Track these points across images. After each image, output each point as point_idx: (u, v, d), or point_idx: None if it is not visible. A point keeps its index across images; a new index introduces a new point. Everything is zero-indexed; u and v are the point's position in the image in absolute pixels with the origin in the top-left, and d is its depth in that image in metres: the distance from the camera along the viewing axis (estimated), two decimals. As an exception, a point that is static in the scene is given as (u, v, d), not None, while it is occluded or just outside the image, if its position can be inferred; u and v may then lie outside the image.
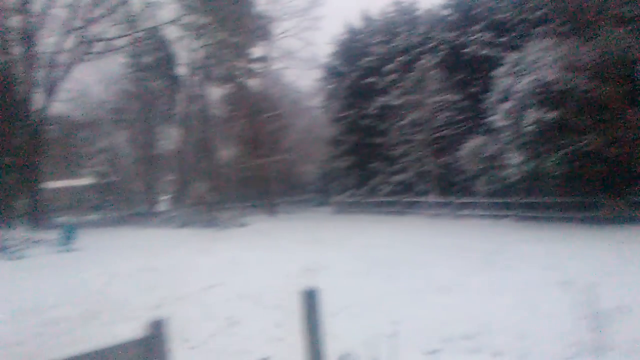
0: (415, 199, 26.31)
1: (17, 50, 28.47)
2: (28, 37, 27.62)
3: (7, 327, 7.30)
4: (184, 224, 23.94)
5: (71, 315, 7.81)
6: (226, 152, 40.59)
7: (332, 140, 33.95)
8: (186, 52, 35.93)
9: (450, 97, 24.81)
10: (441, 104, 24.91)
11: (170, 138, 40.22)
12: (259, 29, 33.49)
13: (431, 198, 25.43)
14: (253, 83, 35.16)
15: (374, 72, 30.51)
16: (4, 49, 28.02)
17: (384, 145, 28.90)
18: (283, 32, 33.32)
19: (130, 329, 6.71)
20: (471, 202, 22.62)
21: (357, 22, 35.17)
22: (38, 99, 29.16)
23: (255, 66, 35.50)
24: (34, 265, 13.99)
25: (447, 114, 24.80)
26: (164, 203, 40.43)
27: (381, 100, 29.13)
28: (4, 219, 26.77)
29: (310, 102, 37.34)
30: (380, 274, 9.75)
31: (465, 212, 22.56)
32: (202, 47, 34.94)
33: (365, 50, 32.10)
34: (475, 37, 25.17)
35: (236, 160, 36.10)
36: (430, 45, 27.52)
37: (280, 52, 33.23)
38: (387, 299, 7.74)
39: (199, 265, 12.09)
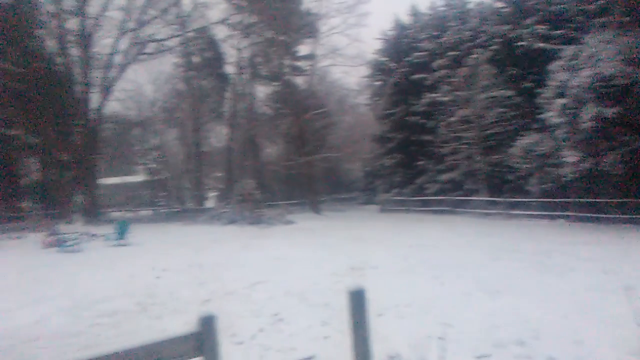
0: (464, 198, 25.70)
1: (75, 51, 29.80)
2: (85, 39, 28.85)
3: (66, 318, 7.60)
4: (231, 221, 24.36)
5: (125, 307, 8.05)
6: (272, 150, 41.11)
7: (378, 137, 33.70)
8: (234, 51, 36.62)
9: (502, 92, 24.04)
10: (492, 100, 24.18)
11: (218, 136, 41.15)
12: (306, 27, 33.62)
13: (481, 197, 24.77)
14: (300, 81, 35.37)
15: (423, 68, 30.00)
16: (63, 51, 29.41)
17: (432, 142, 28.39)
18: (330, 29, 33.27)
19: (180, 323, 6.87)
20: (523, 202, 21.85)
21: (406, 18, 34.75)
22: (94, 99, 30.44)
23: (301, 64, 35.71)
24: (90, 259, 14.59)
25: (499, 110, 24.03)
26: (211, 200, 41.40)
27: (430, 96, 28.60)
28: (63, 214, 28.17)
29: (356, 100, 37.21)
30: (427, 275, 9.53)
31: (517, 212, 21.83)
32: (249, 45, 35.47)
33: (413, 45, 31.62)
34: (529, 30, 24.25)
35: (282, 158, 36.46)
36: (482, 39, 26.77)
37: (327, 49, 33.21)
38: (435, 300, 7.54)
39: (245, 262, 12.23)
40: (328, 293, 8.18)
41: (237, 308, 7.48)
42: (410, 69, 31.05)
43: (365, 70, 36.12)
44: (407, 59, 31.48)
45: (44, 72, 28.12)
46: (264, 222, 23.59)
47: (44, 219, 26.43)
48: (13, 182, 33.75)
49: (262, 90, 38.61)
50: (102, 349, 6.05)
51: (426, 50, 30.43)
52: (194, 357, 2.54)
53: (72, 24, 29.55)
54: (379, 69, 34.89)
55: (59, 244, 17.26)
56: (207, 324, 2.53)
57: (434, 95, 28.27)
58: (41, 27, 30.57)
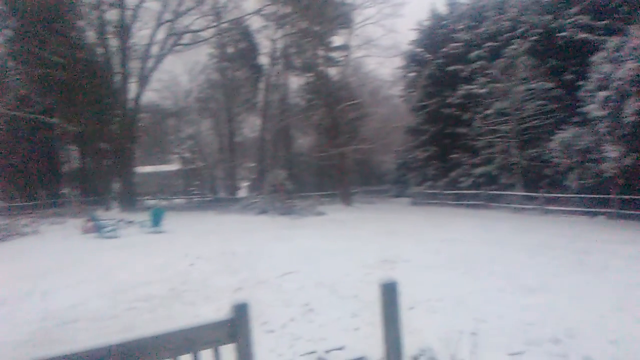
0: (499, 193, 25.18)
1: (114, 42, 30.51)
2: (124, 30, 29.47)
3: (103, 301, 7.85)
4: (262, 211, 24.57)
5: (159, 293, 8.25)
6: (305, 141, 41.22)
7: (411, 129, 33.32)
8: (268, 42, 36.77)
9: (541, 85, 23.36)
10: (531, 92, 23.53)
11: (251, 126, 41.52)
12: (340, 17, 33.37)
13: (516, 192, 24.23)
14: (333, 72, 35.23)
15: (459, 60, 29.41)
16: (103, 42, 30.16)
17: (467, 135, 27.88)
18: (365, 20, 32.92)
19: (212, 309, 7.00)
20: (561, 197, 21.25)
21: (442, 8, 34.11)
22: (132, 89, 31.12)
23: (335, 55, 35.53)
24: (126, 245, 15.00)
25: (538, 103, 23.35)
26: (243, 189, 41.88)
27: (465, 88, 28.02)
28: (101, 200, 29.03)
29: (390, 91, 36.80)
30: (459, 270, 9.40)
31: (554, 207, 21.25)
32: (283, 36, 35.54)
33: (449, 36, 31.02)
34: (571, 20, 23.43)
35: (314, 149, 36.50)
36: (521, 29, 26.01)
37: (361, 40, 32.89)
38: (467, 295, 7.43)
39: (276, 252, 12.33)
40: (358, 285, 8.17)
41: (268, 297, 7.56)
42: (445, 60, 30.50)
43: (399, 62, 35.69)
44: (442, 49, 30.91)
45: (84, 63, 28.90)
46: (295, 213, 23.71)
47: (83, 205, 27.33)
48: (55, 169, 35.00)
49: (295, 81, 38.70)
50: (138, 332, 6.23)
51: (463, 41, 29.81)
52: (228, 343, 2.58)
53: (112, 15, 30.23)
54: (414, 60, 34.39)
55: (97, 229, 17.80)
56: (241, 312, 2.56)
57: (469, 87, 27.70)
58: (82, 18, 31.39)
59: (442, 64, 30.73)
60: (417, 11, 35.16)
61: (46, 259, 12.70)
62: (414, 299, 6.97)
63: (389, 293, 3.13)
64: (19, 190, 32.47)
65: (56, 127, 31.87)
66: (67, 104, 30.84)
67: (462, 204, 26.78)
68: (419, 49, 34.04)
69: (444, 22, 32.99)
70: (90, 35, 32.48)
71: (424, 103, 31.98)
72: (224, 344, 2.54)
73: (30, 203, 29.33)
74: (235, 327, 2.53)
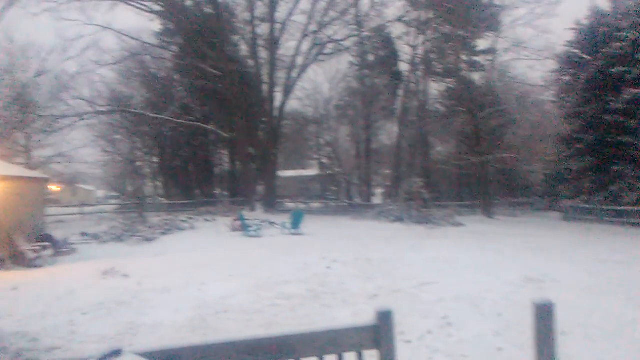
0: (672, 211, 21.86)
1: (263, 54, 32.79)
2: (273, 43, 31.51)
3: (249, 296, 8.38)
4: (397, 219, 24.30)
5: (299, 292, 8.57)
6: (443, 149, 40.07)
7: (564, 138, 30.45)
8: (409, 49, 36.49)
9: None
10: None
11: (389, 133, 41.54)
12: (487, 20, 31.82)
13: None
14: (476, 77, 33.74)
15: (624, 61, 26.19)
16: (254, 54, 32.61)
17: (632, 145, 24.66)
18: (514, 21, 30.86)
19: (349, 314, 7.07)
20: None
21: (605, 4, 30.79)
22: (278, 98, 33.13)
23: (480, 59, 34.02)
24: (269, 244, 15.90)
25: None
26: (378, 196, 42.00)
27: (632, 92, 24.84)
28: (247, 201, 31.26)
29: (540, 97, 34.09)
30: (621, 295, 8.29)
31: None
32: (425, 42, 35.01)
33: (613, 35, 27.81)
34: None
35: (453, 157, 35.24)
36: None
37: (509, 42, 30.87)
38: (632, 324, 6.53)
39: (412, 261, 12.07)
40: (501, 303, 7.65)
41: (405, 307, 7.40)
42: (607, 62, 27.35)
43: (552, 65, 32.86)
44: (604, 50, 27.80)
45: (237, 74, 31.48)
46: (431, 222, 23.06)
47: (231, 205, 29.66)
48: (209, 171, 38.68)
49: (435, 88, 37.85)
50: (279, 328, 6.52)
51: (629, 40, 26.52)
52: (370, 349, 2.55)
53: (262, 29, 32.54)
54: (570, 63, 31.44)
55: (243, 228, 19.17)
56: (385, 319, 2.52)
57: (637, 91, 24.51)
58: (236, 33, 34.28)
59: (603, 66, 27.63)
60: (574, 9, 32.00)
61: (200, 253, 13.99)
62: (566, 323, 6.29)
63: (544, 314, 2.88)
64: (179, 189, 36.44)
65: (211, 133, 35.19)
66: (221, 112, 33.91)
67: (624, 222, 23.69)
68: (575, 50, 31.08)
69: (606, 19, 29.71)
70: (243, 49, 35.32)
71: (580, 109, 29.07)
72: (368, 349, 2.52)
73: (188, 201, 32.67)
74: (379, 333, 2.50)
